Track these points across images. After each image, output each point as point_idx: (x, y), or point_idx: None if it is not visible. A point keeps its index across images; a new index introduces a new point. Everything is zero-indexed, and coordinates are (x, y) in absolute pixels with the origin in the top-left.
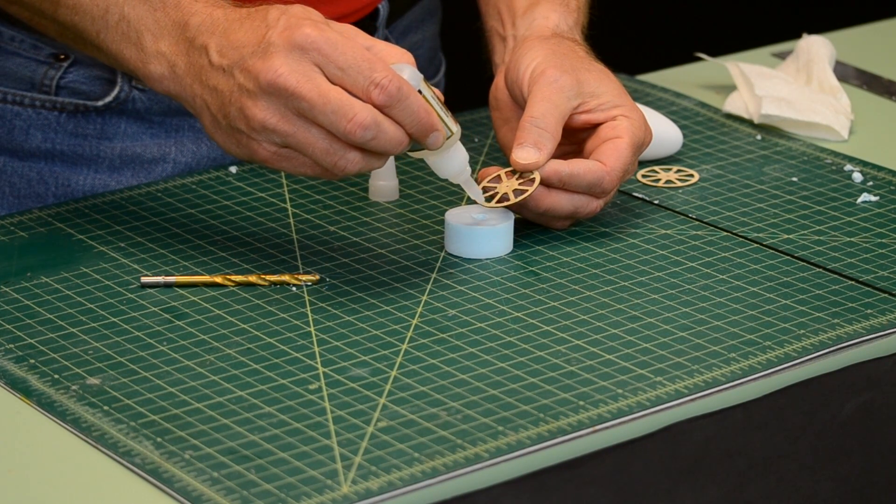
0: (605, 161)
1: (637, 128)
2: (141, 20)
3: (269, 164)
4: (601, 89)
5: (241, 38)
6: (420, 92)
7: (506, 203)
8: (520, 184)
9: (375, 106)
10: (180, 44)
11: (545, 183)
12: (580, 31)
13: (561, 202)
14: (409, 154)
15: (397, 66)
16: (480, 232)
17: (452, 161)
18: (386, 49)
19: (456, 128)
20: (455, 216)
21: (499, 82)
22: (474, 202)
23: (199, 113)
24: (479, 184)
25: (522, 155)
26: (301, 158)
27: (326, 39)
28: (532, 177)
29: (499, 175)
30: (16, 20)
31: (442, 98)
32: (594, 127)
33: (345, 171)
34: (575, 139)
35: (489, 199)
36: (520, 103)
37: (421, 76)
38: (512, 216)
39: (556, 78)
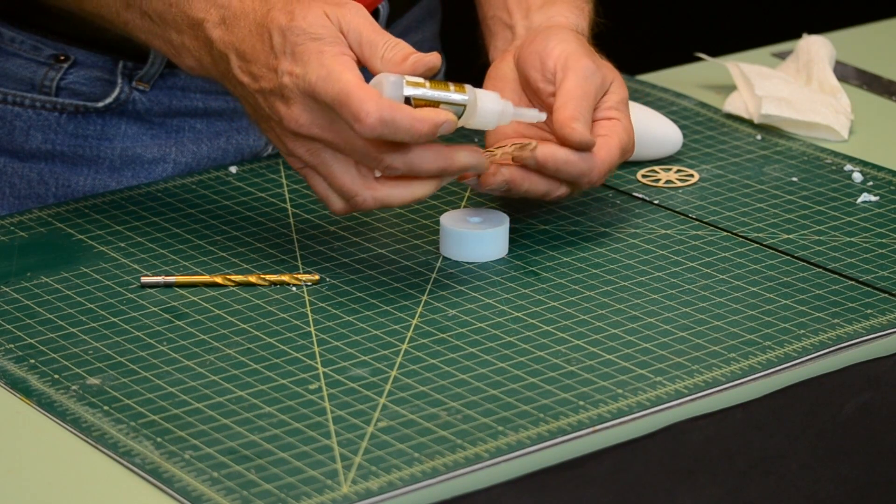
0: (595, 153)
1: (628, 136)
2: (160, 15)
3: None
4: (612, 89)
5: (253, 55)
6: (408, 98)
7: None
8: (515, 149)
9: (379, 148)
10: (199, 40)
11: (540, 165)
12: (588, 38)
13: (536, 184)
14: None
15: (377, 78)
16: (475, 236)
17: (486, 116)
18: (390, 51)
19: (464, 96)
20: (450, 219)
21: (506, 59)
22: (471, 204)
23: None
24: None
25: (582, 131)
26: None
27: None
28: (531, 146)
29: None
30: (16, 20)
31: (435, 71)
32: None
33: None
34: None
35: None
36: (533, 82)
37: (404, 79)
38: (507, 219)
39: (593, 71)
